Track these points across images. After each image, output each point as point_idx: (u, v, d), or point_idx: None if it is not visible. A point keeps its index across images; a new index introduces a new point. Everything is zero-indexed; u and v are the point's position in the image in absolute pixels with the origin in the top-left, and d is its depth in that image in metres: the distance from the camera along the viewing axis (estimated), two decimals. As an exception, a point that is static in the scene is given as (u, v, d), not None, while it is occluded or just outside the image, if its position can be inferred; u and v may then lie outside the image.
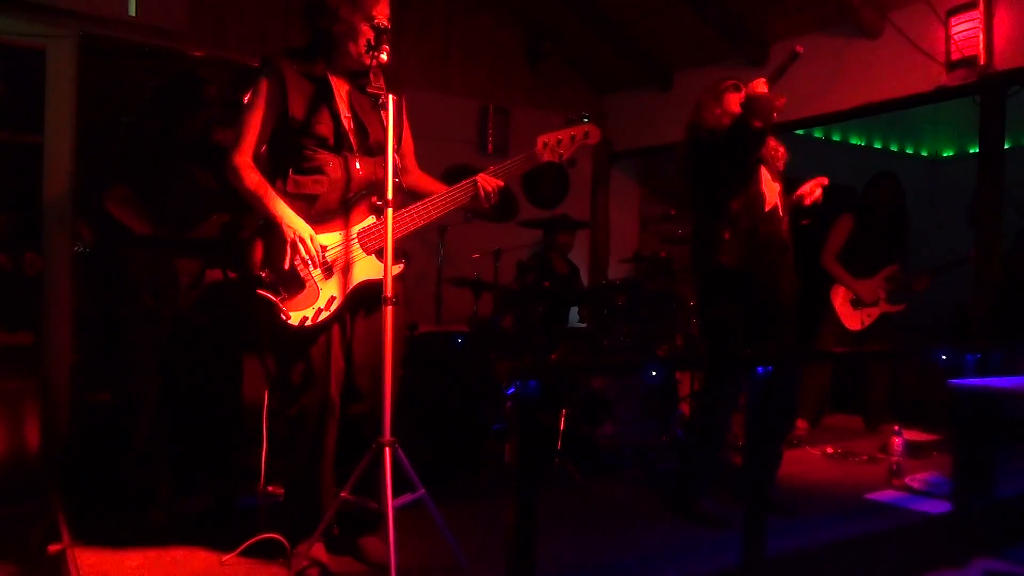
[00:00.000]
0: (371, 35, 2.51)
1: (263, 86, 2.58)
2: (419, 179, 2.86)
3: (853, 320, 5.10)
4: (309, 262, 2.51)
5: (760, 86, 3.09)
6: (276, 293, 2.53)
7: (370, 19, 2.51)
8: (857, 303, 5.09)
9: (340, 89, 2.64)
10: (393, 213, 2.51)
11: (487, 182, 2.66)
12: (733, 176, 3.25)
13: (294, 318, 2.53)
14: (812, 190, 3.36)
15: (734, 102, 3.27)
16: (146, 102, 4.58)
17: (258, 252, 2.57)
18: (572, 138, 2.69)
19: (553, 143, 2.68)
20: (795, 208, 3.38)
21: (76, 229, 4.49)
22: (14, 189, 4.45)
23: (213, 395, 3.53)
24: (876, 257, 5.12)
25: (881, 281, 5.09)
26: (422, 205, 2.63)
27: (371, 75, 2.50)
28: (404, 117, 2.79)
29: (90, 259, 4.45)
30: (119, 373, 3.85)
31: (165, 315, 3.42)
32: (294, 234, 2.50)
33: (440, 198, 2.65)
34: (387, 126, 2.49)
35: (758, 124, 3.06)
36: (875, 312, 5.09)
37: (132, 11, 4.59)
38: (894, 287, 5.09)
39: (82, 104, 4.52)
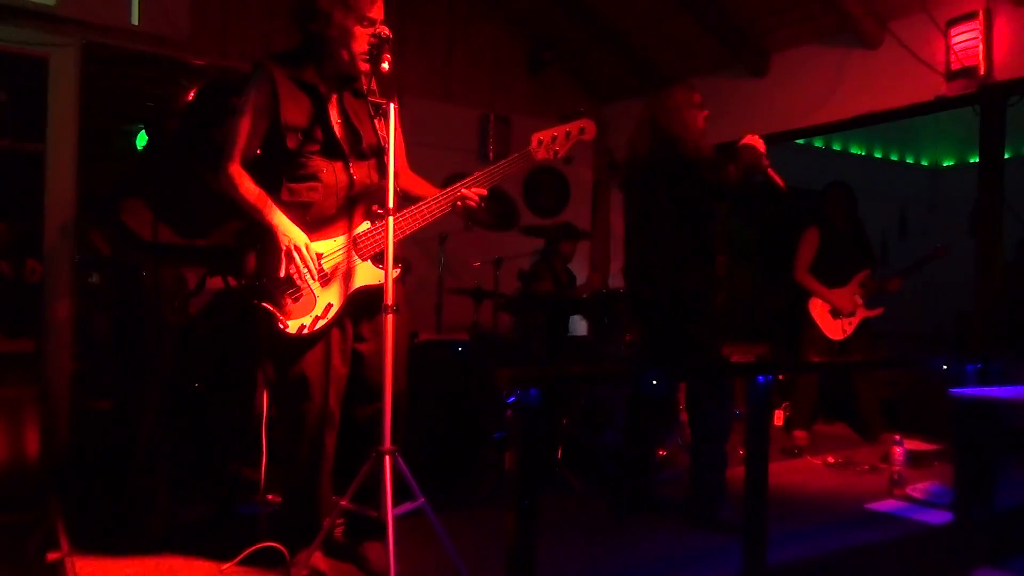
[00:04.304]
0: (365, 40, 2.50)
1: (254, 92, 2.57)
2: (410, 181, 2.81)
3: (835, 330, 5.11)
4: (305, 271, 2.51)
5: (756, 142, 3.13)
6: (273, 302, 2.52)
7: (363, 21, 2.50)
8: (836, 313, 5.11)
9: (331, 95, 2.63)
10: (378, 226, 2.54)
11: (468, 196, 2.60)
12: (703, 208, 3.35)
13: (291, 327, 2.52)
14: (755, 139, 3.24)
15: (701, 119, 3.37)
16: (176, 115, 4.58)
17: (251, 262, 2.57)
18: (567, 134, 2.66)
19: (548, 140, 2.64)
20: (751, 165, 3.21)
21: (90, 240, 4.50)
22: (16, 197, 4.46)
23: (214, 403, 3.53)
24: (846, 265, 5.14)
25: (856, 288, 5.12)
26: (402, 215, 2.59)
27: (365, 80, 2.51)
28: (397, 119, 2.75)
29: (102, 269, 4.46)
30: (123, 381, 3.85)
31: (173, 324, 3.41)
32: (289, 243, 2.49)
33: (425, 206, 2.60)
34: (380, 130, 2.49)
35: (731, 174, 3.14)
36: (855, 320, 5.10)
37: (134, 20, 4.61)
38: (868, 292, 5.12)
39: (84, 112, 4.53)
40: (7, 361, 3.97)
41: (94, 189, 4.60)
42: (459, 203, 2.62)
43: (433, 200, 2.63)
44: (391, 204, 2.44)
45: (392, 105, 2.47)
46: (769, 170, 3.16)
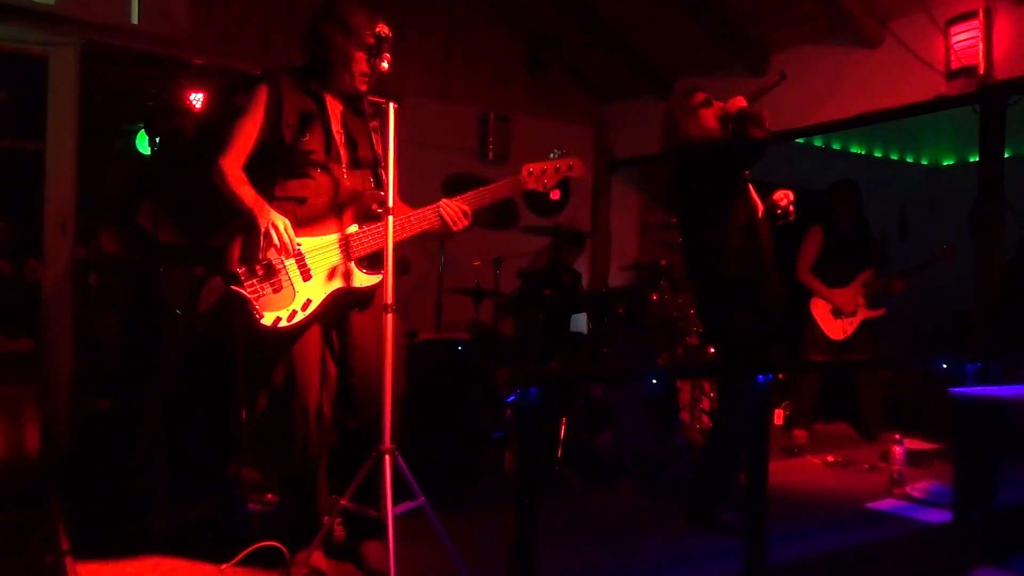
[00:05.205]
0: (364, 62, 2.61)
1: (260, 95, 2.65)
2: (400, 208, 2.83)
3: (835, 330, 5.11)
4: (281, 248, 2.51)
5: (741, 102, 3.16)
6: (251, 291, 2.53)
7: (364, 47, 2.59)
8: (837, 313, 5.11)
9: (334, 108, 2.73)
10: (367, 228, 2.63)
11: (450, 208, 2.69)
12: (735, 186, 3.28)
13: (267, 318, 2.53)
14: (785, 195, 3.37)
15: (710, 117, 3.30)
16: (187, 116, 4.60)
17: (236, 249, 2.58)
18: (556, 169, 2.79)
19: (538, 172, 2.78)
20: (771, 213, 3.38)
21: (98, 240, 4.50)
22: (16, 196, 4.46)
23: (215, 403, 3.53)
24: (849, 265, 5.14)
25: (858, 288, 5.11)
26: (400, 220, 2.64)
27: (366, 104, 2.66)
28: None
29: (111, 269, 4.47)
30: (127, 380, 3.85)
31: (183, 322, 3.43)
32: (268, 223, 2.52)
33: (407, 220, 2.67)
34: (377, 147, 2.60)
35: (759, 134, 3.08)
36: (856, 320, 5.10)
37: (134, 19, 4.60)
38: (871, 292, 5.11)
39: (84, 112, 4.53)
40: (7, 360, 3.97)
41: (96, 189, 4.60)
42: (442, 212, 2.68)
43: (421, 212, 2.69)
44: (390, 204, 2.48)
45: (392, 105, 2.51)
46: (764, 92, 3.22)
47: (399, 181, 2.79)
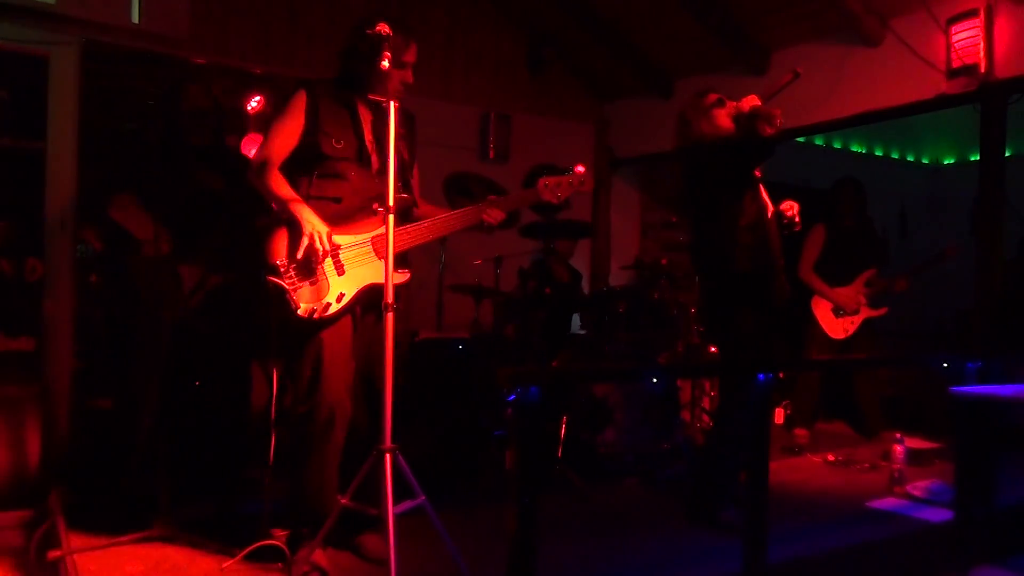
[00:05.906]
0: (398, 80, 2.74)
1: (299, 99, 2.78)
2: (426, 210, 3.04)
3: (836, 329, 5.11)
4: (321, 254, 2.61)
5: (755, 100, 3.18)
6: (289, 282, 2.62)
7: (400, 65, 2.74)
8: (838, 312, 5.10)
9: (365, 116, 2.86)
10: (403, 226, 2.72)
11: (494, 213, 2.93)
12: (745, 184, 3.28)
13: (303, 309, 2.62)
14: (790, 207, 3.40)
15: (723, 117, 3.32)
16: (148, 109, 4.62)
17: (278, 241, 2.67)
18: (569, 183, 3.08)
19: (552, 185, 3.04)
20: (777, 222, 3.41)
21: (83, 236, 4.49)
22: (16, 195, 4.46)
23: (215, 401, 3.53)
24: (852, 263, 5.13)
25: (860, 287, 5.10)
26: (431, 222, 2.86)
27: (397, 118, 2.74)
28: (414, 153, 3.05)
29: (97, 265, 4.46)
30: (122, 378, 3.85)
31: (168, 320, 3.44)
32: (312, 228, 2.62)
33: (448, 218, 2.88)
34: (403, 152, 2.73)
35: (770, 131, 3.10)
36: (858, 319, 5.09)
37: (135, 18, 4.60)
38: (874, 291, 5.10)
39: (84, 111, 4.53)
40: (8, 360, 3.97)
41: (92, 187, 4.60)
42: (485, 218, 2.92)
43: (446, 217, 2.88)
44: (391, 202, 2.51)
45: (393, 104, 2.54)
46: (778, 91, 3.26)
47: (406, 181, 2.94)
